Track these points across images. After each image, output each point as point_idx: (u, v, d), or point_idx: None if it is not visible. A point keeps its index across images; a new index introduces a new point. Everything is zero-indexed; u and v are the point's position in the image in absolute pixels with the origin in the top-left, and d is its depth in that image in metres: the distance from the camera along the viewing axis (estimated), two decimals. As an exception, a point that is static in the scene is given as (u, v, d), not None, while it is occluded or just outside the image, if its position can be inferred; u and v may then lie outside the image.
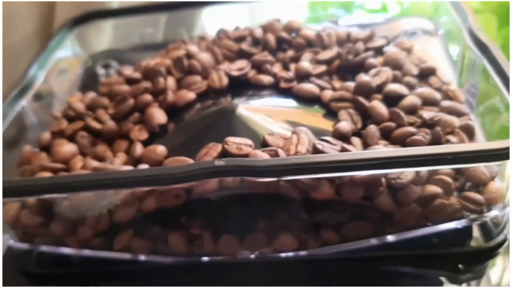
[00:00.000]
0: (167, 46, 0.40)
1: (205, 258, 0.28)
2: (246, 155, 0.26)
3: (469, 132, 0.29)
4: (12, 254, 0.31)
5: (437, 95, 0.31)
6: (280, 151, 0.26)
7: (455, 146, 0.25)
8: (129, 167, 0.27)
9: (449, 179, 0.26)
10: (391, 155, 0.23)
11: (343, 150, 0.26)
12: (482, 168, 0.26)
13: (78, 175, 0.26)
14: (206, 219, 0.28)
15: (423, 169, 0.25)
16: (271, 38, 0.37)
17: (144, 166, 0.27)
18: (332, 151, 0.26)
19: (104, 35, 0.46)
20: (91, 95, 0.36)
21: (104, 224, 0.28)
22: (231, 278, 0.28)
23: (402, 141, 0.27)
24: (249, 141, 0.27)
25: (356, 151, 0.26)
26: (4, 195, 0.25)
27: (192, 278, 0.29)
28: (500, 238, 0.27)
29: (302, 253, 0.28)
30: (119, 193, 0.26)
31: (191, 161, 0.26)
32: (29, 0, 0.43)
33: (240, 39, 0.38)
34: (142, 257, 0.29)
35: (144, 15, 0.44)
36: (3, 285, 0.27)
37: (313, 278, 0.28)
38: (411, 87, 0.32)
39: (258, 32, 0.38)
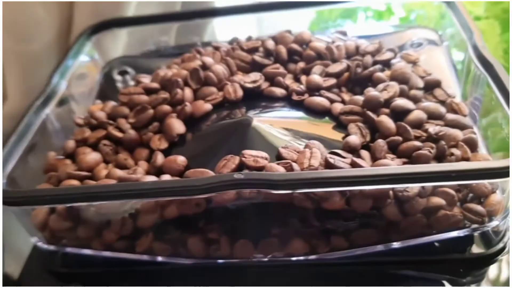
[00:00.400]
0: (180, 54, 0.41)
1: (221, 260, 0.30)
2: (262, 168, 0.28)
3: (472, 145, 0.30)
4: (39, 254, 0.33)
5: (442, 109, 0.33)
6: (294, 165, 0.27)
7: (459, 164, 0.27)
8: (153, 177, 0.29)
9: (452, 192, 0.28)
10: (398, 171, 0.25)
11: (353, 163, 0.28)
12: (484, 182, 0.28)
13: (106, 185, 0.28)
14: (224, 225, 0.30)
15: (428, 185, 0.27)
16: (282, 50, 0.39)
17: (166, 176, 0.29)
18: (343, 164, 0.28)
19: (120, 42, 0.48)
20: (111, 104, 0.37)
21: (128, 228, 0.30)
22: (245, 279, 0.30)
23: (409, 155, 0.29)
24: (264, 154, 0.29)
25: (365, 165, 0.28)
26: (37, 203, 0.27)
27: (208, 278, 0.31)
28: (500, 245, 0.29)
29: (312, 257, 0.30)
30: (143, 201, 0.28)
31: (211, 173, 0.28)
32: (48, 1, 0.44)
33: (252, 50, 0.39)
34: (161, 259, 0.31)
35: (158, 24, 0.46)
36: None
37: (322, 280, 0.30)
38: (417, 100, 0.33)
39: (270, 44, 0.39)
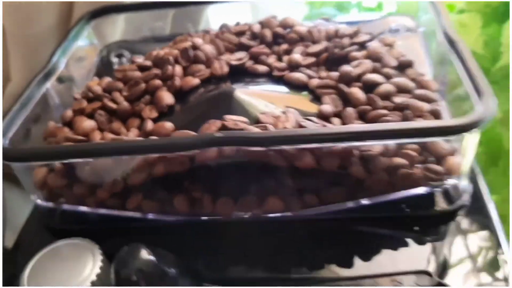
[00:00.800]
0: (174, 39, 0.44)
1: (205, 218, 0.33)
2: (241, 130, 0.30)
3: (436, 116, 0.33)
4: (38, 212, 0.36)
5: (411, 84, 0.35)
6: (269, 126, 0.30)
7: (415, 122, 0.30)
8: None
9: (413, 153, 0.30)
10: (360, 129, 0.28)
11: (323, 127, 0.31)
12: (442, 144, 0.31)
13: (99, 143, 0.31)
14: (206, 184, 0.32)
15: (388, 142, 0.29)
16: (267, 33, 0.42)
17: (154, 138, 0.32)
18: (313, 127, 0.30)
19: (118, 27, 0.51)
20: (107, 79, 0.40)
21: (119, 187, 0.32)
22: (226, 235, 0.33)
23: (376, 122, 0.32)
24: (244, 119, 0.32)
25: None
26: (37, 159, 0.30)
27: (193, 234, 0.33)
28: (460, 203, 0.32)
29: (288, 214, 0.32)
30: (134, 160, 0.31)
31: (195, 134, 0.31)
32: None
33: (240, 33, 0.42)
34: (150, 216, 0.33)
35: (155, 10, 0.49)
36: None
37: (297, 235, 0.32)
38: (388, 77, 0.36)
39: (256, 28, 0.42)
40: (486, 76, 0.62)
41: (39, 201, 0.34)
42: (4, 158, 0.30)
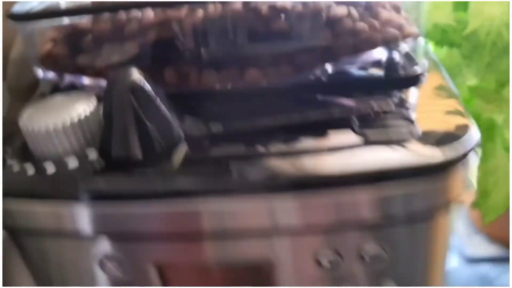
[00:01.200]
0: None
1: (192, 89, 0.37)
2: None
3: (396, 8, 0.38)
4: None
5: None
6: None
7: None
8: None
9: (374, 22, 0.35)
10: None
11: None
12: (401, 17, 0.36)
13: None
14: (192, 57, 0.37)
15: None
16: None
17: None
18: None
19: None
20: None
21: (116, 56, 0.36)
22: (211, 105, 0.36)
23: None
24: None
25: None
26: (42, 17, 0.34)
27: (182, 106, 0.37)
28: (419, 70, 0.36)
29: (266, 84, 0.36)
30: (130, 25, 0.35)
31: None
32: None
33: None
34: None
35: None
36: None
37: (275, 103, 0.36)
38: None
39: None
40: (458, 50, 0.68)
41: (43, 74, 0.38)
42: (13, 18, 0.34)
